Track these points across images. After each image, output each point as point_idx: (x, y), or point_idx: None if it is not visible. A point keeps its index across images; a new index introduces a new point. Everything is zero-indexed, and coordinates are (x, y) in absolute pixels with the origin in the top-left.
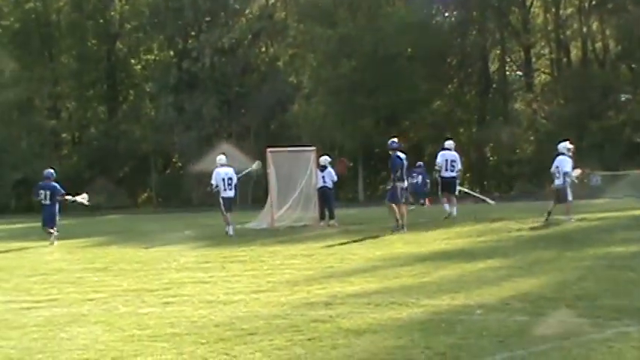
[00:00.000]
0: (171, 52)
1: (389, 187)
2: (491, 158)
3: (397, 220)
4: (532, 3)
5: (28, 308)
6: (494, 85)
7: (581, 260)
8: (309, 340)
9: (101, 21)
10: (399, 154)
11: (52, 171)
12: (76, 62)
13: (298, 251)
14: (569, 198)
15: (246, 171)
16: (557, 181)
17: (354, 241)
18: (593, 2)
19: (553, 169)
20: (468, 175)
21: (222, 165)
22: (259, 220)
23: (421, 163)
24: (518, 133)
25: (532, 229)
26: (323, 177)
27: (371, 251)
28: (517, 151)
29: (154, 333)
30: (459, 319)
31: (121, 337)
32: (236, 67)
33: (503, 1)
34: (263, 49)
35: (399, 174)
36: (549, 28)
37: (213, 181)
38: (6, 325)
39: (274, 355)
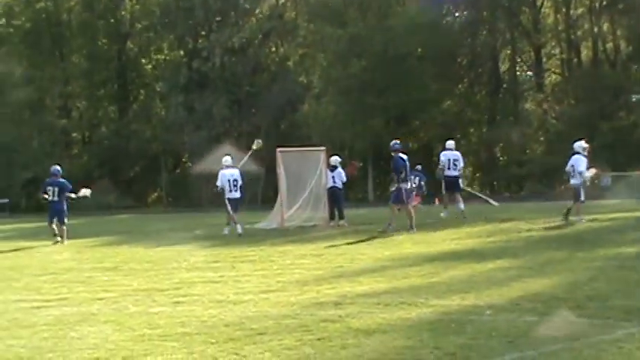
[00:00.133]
0: (182, 52)
1: (393, 188)
2: (501, 158)
3: (392, 222)
4: (542, 3)
5: (38, 307)
6: (504, 85)
7: (592, 261)
8: (319, 339)
9: (112, 20)
10: (402, 155)
11: (58, 167)
12: (87, 62)
13: (308, 251)
14: (582, 198)
15: (248, 155)
16: (574, 180)
17: (364, 241)
18: (604, 2)
19: (568, 167)
20: (477, 175)
21: (227, 166)
22: (269, 220)
23: (419, 166)
24: (528, 134)
25: (546, 229)
26: (333, 177)
27: (380, 251)
28: (527, 151)
29: (164, 332)
30: (469, 320)
31: (131, 337)
32: (246, 67)
33: (514, 1)
34: (273, 49)
35: (402, 175)
36: (560, 28)
37: (218, 183)
38: (16, 324)
39: (284, 354)
